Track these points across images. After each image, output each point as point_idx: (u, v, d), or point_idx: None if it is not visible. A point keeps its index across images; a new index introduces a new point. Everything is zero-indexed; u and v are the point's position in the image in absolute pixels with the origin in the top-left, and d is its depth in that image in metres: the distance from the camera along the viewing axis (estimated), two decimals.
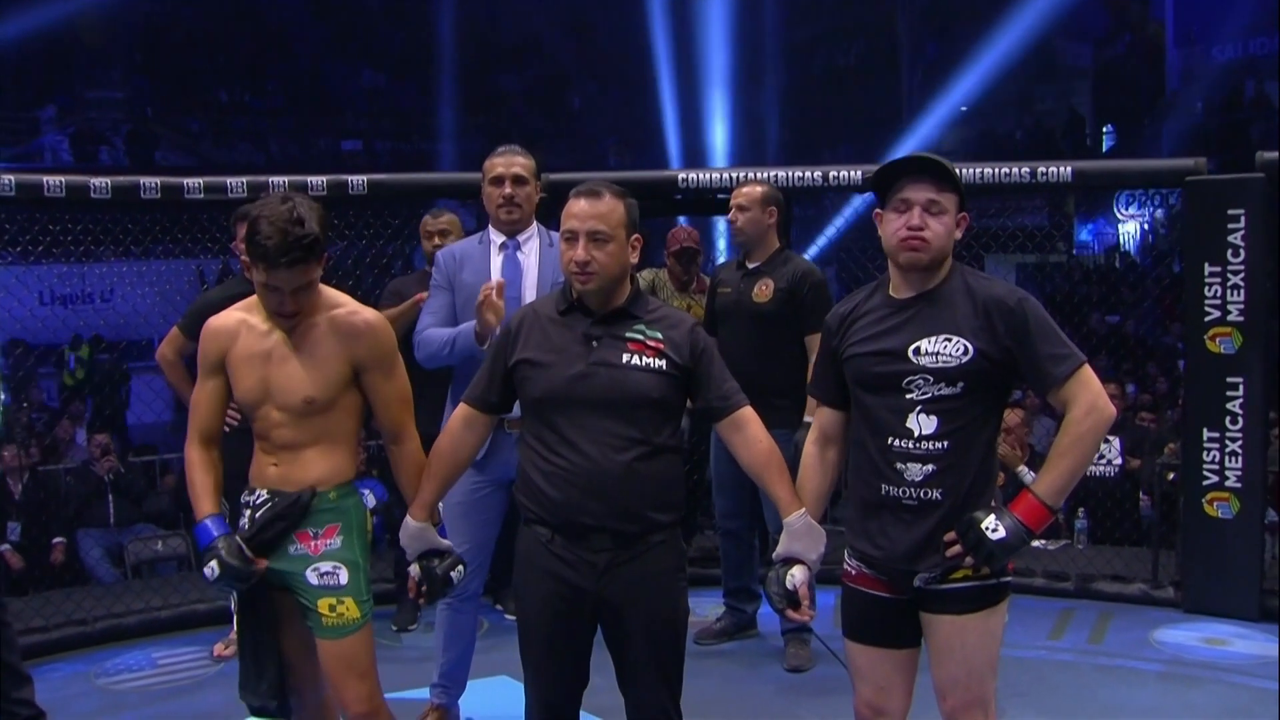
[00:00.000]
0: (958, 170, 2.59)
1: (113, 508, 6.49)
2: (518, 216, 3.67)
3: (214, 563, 2.70)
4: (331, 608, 2.76)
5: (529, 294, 3.59)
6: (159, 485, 7.13)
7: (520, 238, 3.69)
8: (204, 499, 2.80)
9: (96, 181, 4.97)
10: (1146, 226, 16.24)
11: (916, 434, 2.51)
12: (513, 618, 4.85)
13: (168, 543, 6.45)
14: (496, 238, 3.69)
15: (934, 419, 2.50)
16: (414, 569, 2.85)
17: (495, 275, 3.63)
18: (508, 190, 3.65)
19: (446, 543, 2.88)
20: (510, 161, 3.67)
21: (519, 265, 3.66)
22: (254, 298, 2.83)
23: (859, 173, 5.34)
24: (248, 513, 2.81)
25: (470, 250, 3.71)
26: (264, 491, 2.80)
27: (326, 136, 20.09)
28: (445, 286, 3.67)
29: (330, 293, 2.83)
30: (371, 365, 2.79)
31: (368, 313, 2.83)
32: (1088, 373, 2.50)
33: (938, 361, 2.49)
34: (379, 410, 2.84)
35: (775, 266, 4.44)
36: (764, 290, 4.39)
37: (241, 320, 2.81)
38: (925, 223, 2.50)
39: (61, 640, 4.82)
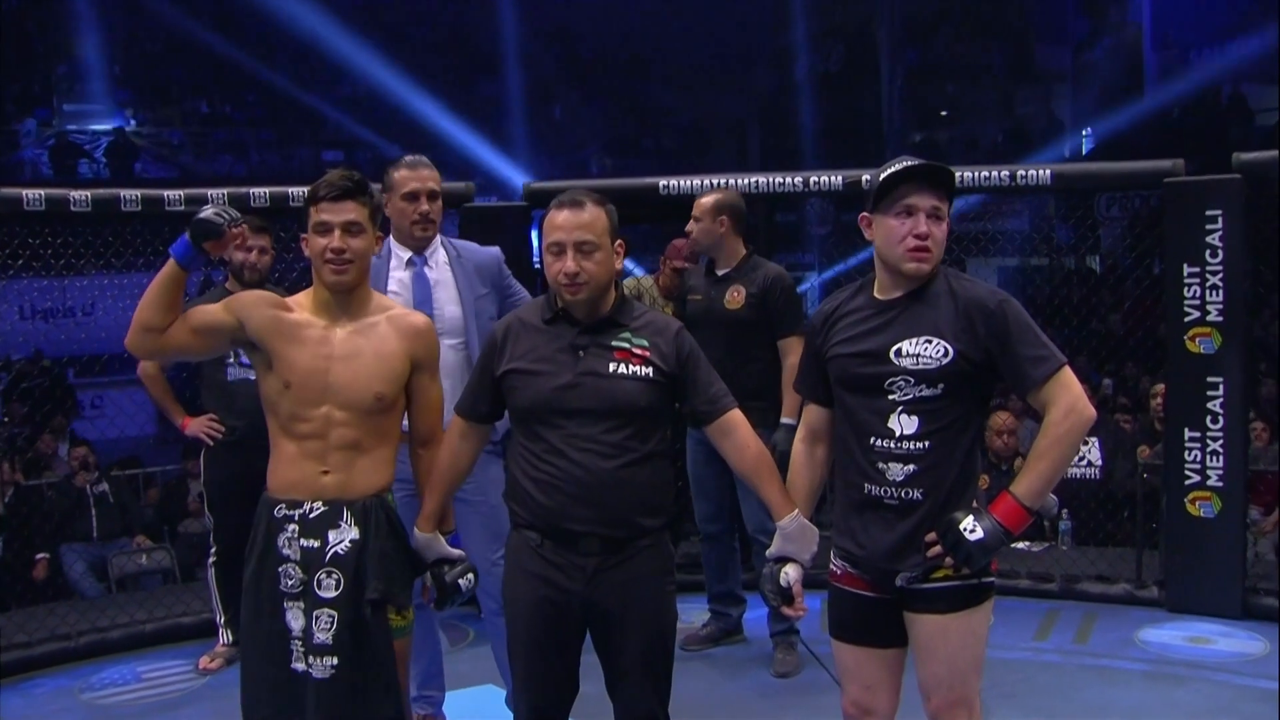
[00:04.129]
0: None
1: (95, 522, 6.45)
2: (433, 234, 3.63)
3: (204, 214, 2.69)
4: (397, 611, 2.83)
5: (448, 308, 3.58)
6: (143, 499, 7.09)
7: (426, 253, 3.64)
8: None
9: (76, 194, 4.95)
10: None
11: (898, 434, 2.53)
12: None
13: (152, 556, 6.42)
14: (402, 253, 3.62)
15: (915, 419, 2.52)
16: (425, 577, 2.87)
17: (394, 289, 3.56)
18: (424, 207, 3.57)
19: (457, 551, 2.89)
20: (424, 176, 3.58)
21: (427, 281, 3.62)
22: (305, 294, 2.82)
23: (839, 178, 5.36)
24: (293, 527, 2.72)
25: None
26: (319, 503, 2.73)
27: (307, 147, 20.03)
28: None
29: (381, 296, 2.90)
30: (424, 365, 2.85)
31: (420, 315, 2.92)
32: (1068, 375, 2.52)
33: (918, 363, 2.51)
34: (420, 413, 2.88)
35: (745, 273, 4.48)
36: (735, 297, 4.43)
37: (294, 309, 2.79)
38: (930, 230, 2.52)
39: (45, 655, 4.78)
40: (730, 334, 4.36)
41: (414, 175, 3.58)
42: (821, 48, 21.87)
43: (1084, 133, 20.60)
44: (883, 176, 2.57)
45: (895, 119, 22.02)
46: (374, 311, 2.82)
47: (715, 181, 5.36)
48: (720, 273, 4.53)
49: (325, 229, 2.72)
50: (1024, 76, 21.77)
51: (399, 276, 3.61)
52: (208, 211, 2.71)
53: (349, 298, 2.78)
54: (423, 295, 3.59)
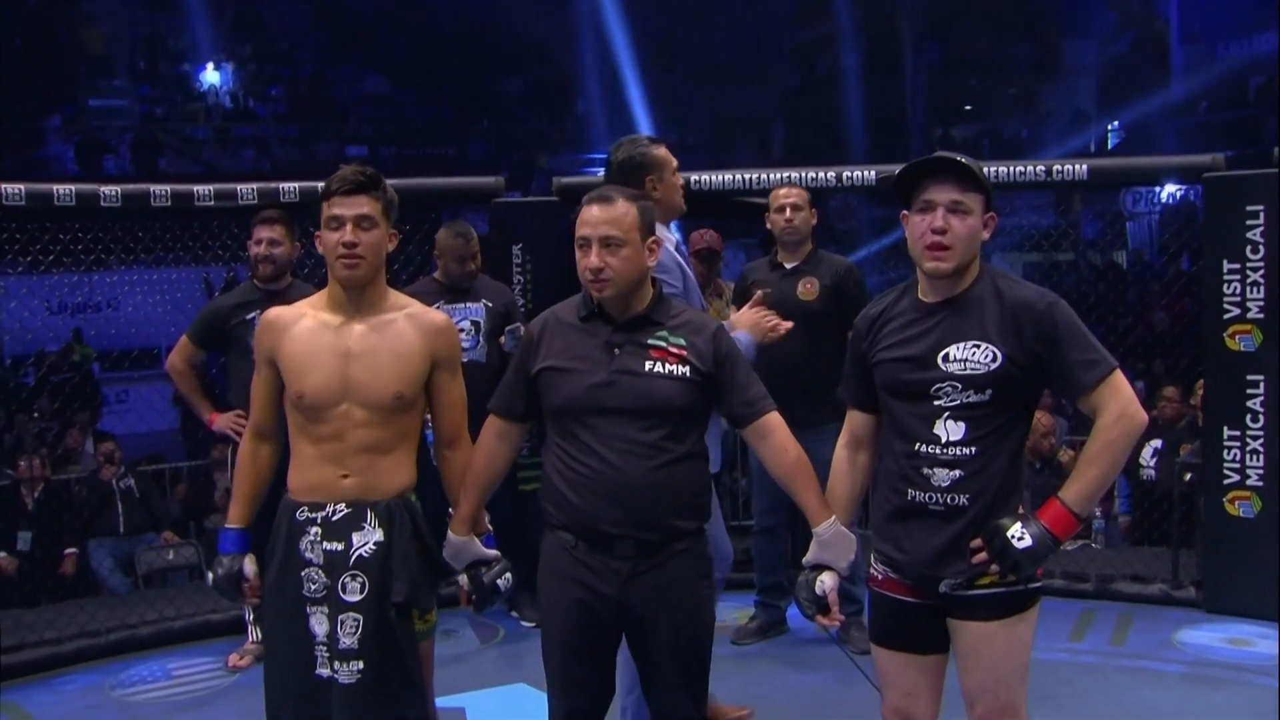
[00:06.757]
0: (983, 169, 2.54)
1: (122, 517, 6.45)
2: None
3: (210, 574, 2.86)
4: (421, 615, 2.83)
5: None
6: (170, 494, 7.09)
7: None
8: (235, 504, 2.85)
9: (106, 190, 4.93)
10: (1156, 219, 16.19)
11: (944, 440, 2.47)
12: (529, 624, 4.84)
13: (180, 552, 6.42)
14: (669, 236, 3.53)
15: (962, 425, 2.46)
16: (463, 579, 2.85)
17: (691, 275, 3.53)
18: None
19: (493, 552, 2.87)
20: None
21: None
22: (320, 294, 2.81)
23: (873, 173, 5.30)
24: (316, 530, 2.69)
25: (673, 253, 3.47)
26: (342, 505, 2.70)
27: (330, 142, 20.07)
28: (683, 291, 3.41)
29: (398, 294, 2.86)
30: (445, 364, 2.81)
31: (440, 313, 2.89)
32: (1119, 379, 2.45)
33: (966, 369, 2.45)
34: (442, 412, 2.84)
35: (815, 265, 4.58)
36: (809, 288, 4.51)
37: (302, 314, 2.78)
38: (949, 224, 2.45)
39: (75, 652, 4.77)
40: (804, 325, 4.37)
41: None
42: (845, 43, 21.79)
43: (1110, 127, 20.47)
44: (897, 173, 2.53)
45: (919, 114, 21.91)
46: (391, 309, 2.78)
47: (746, 178, 5.31)
48: (790, 266, 4.59)
49: (337, 223, 2.69)
50: (1049, 71, 21.63)
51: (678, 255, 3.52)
52: (226, 591, 2.85)
53: (364, 294, 2.73)
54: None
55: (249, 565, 2.80)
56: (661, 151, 3.50)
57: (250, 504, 2.84)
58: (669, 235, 3.50)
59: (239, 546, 2.81)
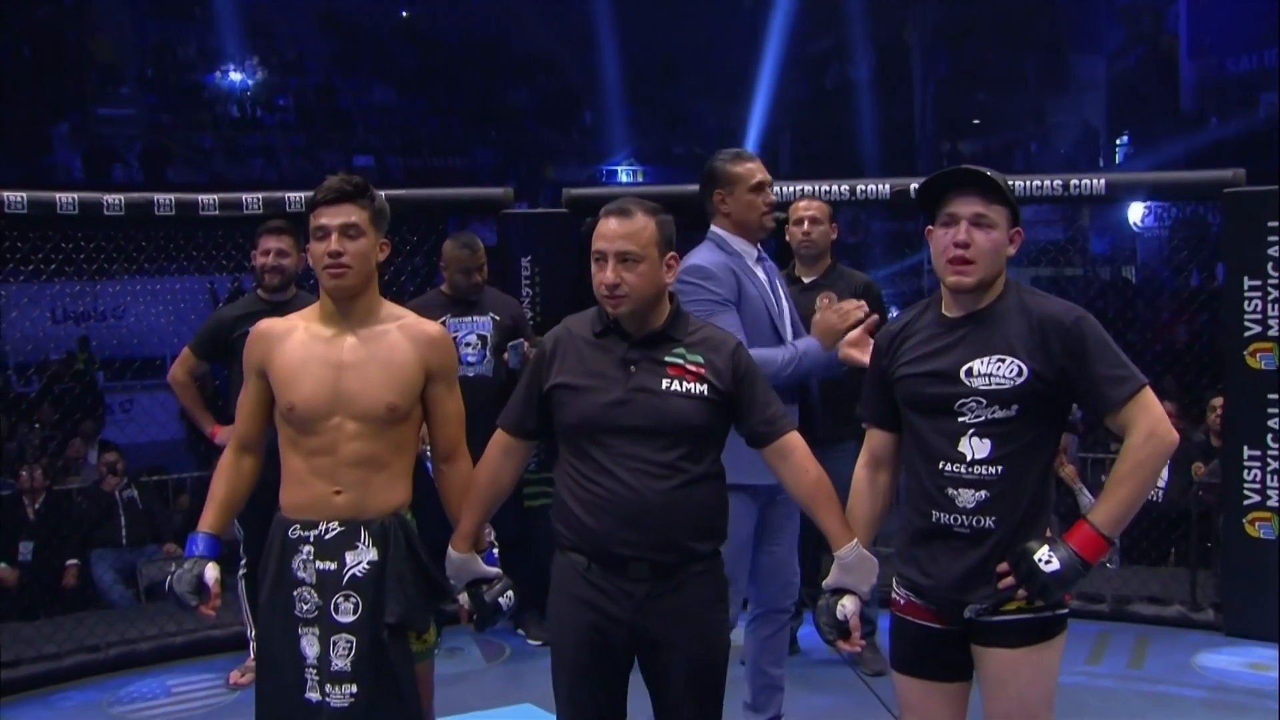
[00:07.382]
0: (1008, 182, 2.47)
1: (125, 528, 6.39)
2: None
3: (168, 579, 2.70)
4: (418, 635, 2.73)
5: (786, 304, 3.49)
6: (173, 505, 7.02)
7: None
8: (208, 510, 2.74)
9: (110, 198, 4.87)
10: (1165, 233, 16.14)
11: (969, 458, 2.40)
12: (535, 642, 4.77)
13: (182, 564, 6.33)
14: (749, 250, 3.45)
15: (987, 442, 2.39)
16: (463, 597, 2.78)
17: (767, 289, 3.45)
18: (771, 198, 3.49)
19: (495, 570, 2.79)
20: (762, 167, 3.51)
21: (773, 277, 3.52)
22: (312, 307, 2.75)
23: (887, 186, 5.23)
24: (308, 549, 2.62)
25: (732, 265, 3.40)
26: (335, 523, 2.62)
27: (337, 152, 20.06)
28: (734, 302, 3.36)
29: (393, 305, 2.78)
30: (440, 376, 2.73)
31: (434, 324, 2.80)
32: (1148, 396, 2.38)
33: (991, 383, 2.38)
34: (437, 425, 2.76)
35: (834, 280, 4.49)
36: (827, 304, 4.37)
37: (294, 326, 2.71)
38: (972, 237, 2.39)
39: (73, 667, 4.70)
40: None
41: (758, 167, 3.46)
42: (854, 56, 21.77)
43: (1118, 142, 20.43)
44: (914, 187, 2.46)
45: (927, 128, 21.89)
46: (385, 319, 2.71)
47: None
48: (809, 280, 4.50)
49: (323, 233, 2.62)
50: (1057, 85, 21.60)
51: (760, 272, 3.45)
52: (181, 595, 2.68)
53: (354, 305, 2.67)
54: (777, 292, 3.46)
55: (210, 571, 2.65)
56: (740, 167, 3.42)
57: (223, 512, 2.74)
58: (748, 250, 3.43)
59: (204, 550, 2.68)
